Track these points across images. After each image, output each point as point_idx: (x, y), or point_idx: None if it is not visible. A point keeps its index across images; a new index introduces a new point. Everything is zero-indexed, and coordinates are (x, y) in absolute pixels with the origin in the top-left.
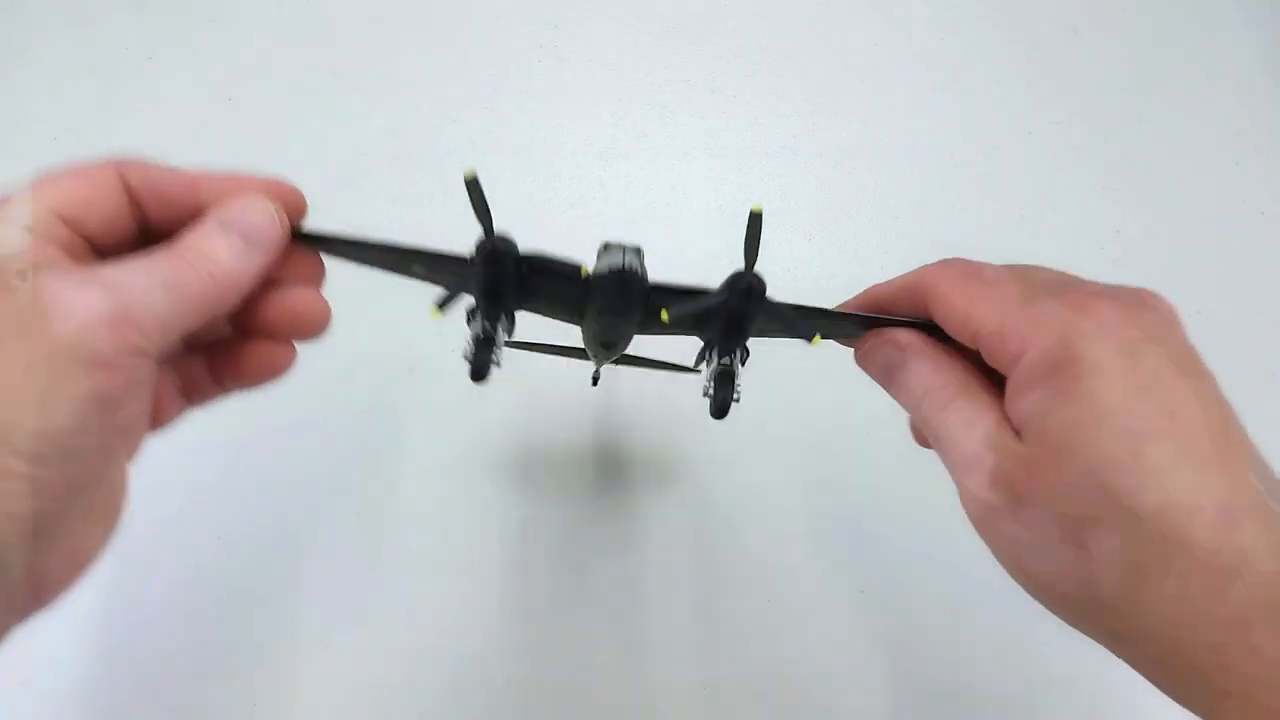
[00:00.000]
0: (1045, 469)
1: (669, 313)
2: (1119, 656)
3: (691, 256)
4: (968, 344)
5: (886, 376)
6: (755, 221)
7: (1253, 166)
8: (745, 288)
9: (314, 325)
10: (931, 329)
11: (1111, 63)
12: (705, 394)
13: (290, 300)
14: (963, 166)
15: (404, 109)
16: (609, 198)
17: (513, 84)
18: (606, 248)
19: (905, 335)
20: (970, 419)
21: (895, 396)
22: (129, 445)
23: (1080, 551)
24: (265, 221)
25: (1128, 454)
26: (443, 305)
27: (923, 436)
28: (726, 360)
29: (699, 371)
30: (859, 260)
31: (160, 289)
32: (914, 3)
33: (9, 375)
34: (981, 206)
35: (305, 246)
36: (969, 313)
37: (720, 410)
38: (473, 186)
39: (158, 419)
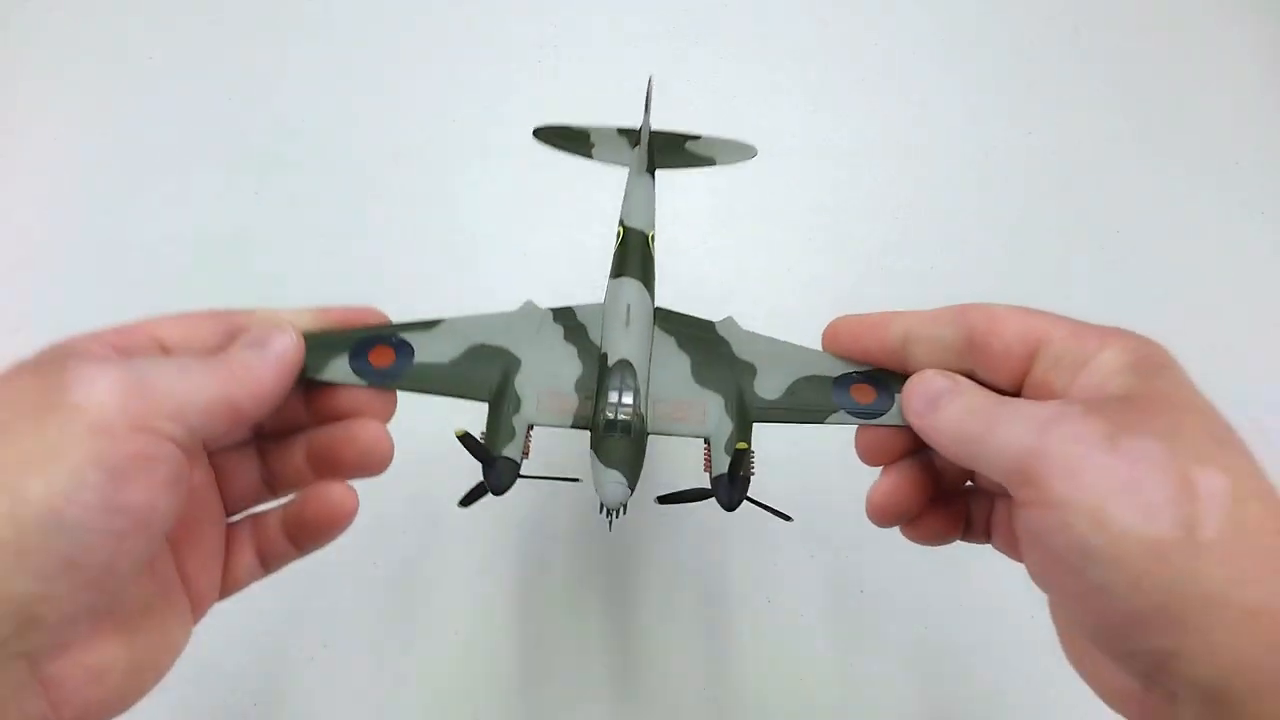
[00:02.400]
0: (1154, 408)
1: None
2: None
3: (693, 255)
4: (1021, 351)
5: (932, 403)
6: (740, 458)
7: (1253, 166)
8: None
9: (376, 457)
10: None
11: (1111, 63)
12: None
13: (353, 430)
14: (963, 166)
15: (404, 109)
16: (610, 198)
17: (513, 84)
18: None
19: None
20: (1037, 404)
21: (938, 424)
22: (154, 549)
23: (1188, 490)
24: (283, 340)
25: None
26: (465, 502)
27: (880, 455)
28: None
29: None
30: (859, 260)
31: (176, 372)
32: (914, 3)
33: (19, 445)
34: (981, 206)
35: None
36: (1033, 321)
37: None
38: (466, 441)
39: (230, 581)
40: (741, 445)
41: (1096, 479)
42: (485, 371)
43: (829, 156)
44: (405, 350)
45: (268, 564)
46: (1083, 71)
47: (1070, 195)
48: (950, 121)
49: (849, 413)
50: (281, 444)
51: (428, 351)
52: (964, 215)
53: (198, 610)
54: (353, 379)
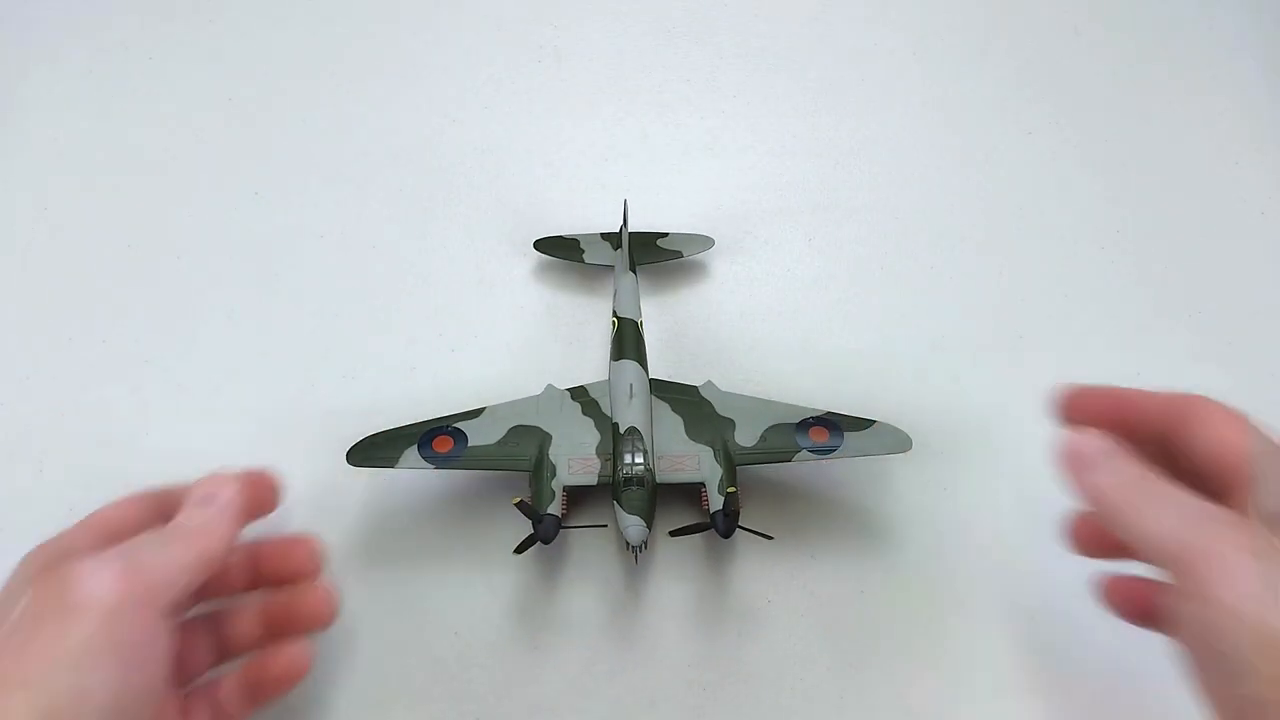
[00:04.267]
0: None
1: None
2: None
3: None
4: (1216, 460)
5: (1087, 460)
6: (731, 499)
7: (1253, 166)
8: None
9: (325, 615)
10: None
11: (1112, 63)
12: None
13: (304, 594)
14: (963, 166)
15: (404, 109)
16: (609, 198)
17: (513, 84)
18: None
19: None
20: (1187, 494)
21: (1093, 483)
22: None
23: None
24: (228, 489)
25: None
26: (519, 550)
27: (1092, 542)
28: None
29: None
30: (859, 260)
31: (159, 545)
32: (914, 3)
33: (46, 649)
34: (981, 206)
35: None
36: (1240, 440)
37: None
38: (520, 506)
39: None
40: (731, 489)
41: (1258, 589)
42: (525, 447)
43: (829, 156)
44: (461, 437)
45: None
46: (1083, 72)
47: (1069, 194)
48: (950, 121)
49: (810, 451)
50: (231, 612)
51: (478, 436)
52: (964, 215)
53: None
54: (424, 465)
